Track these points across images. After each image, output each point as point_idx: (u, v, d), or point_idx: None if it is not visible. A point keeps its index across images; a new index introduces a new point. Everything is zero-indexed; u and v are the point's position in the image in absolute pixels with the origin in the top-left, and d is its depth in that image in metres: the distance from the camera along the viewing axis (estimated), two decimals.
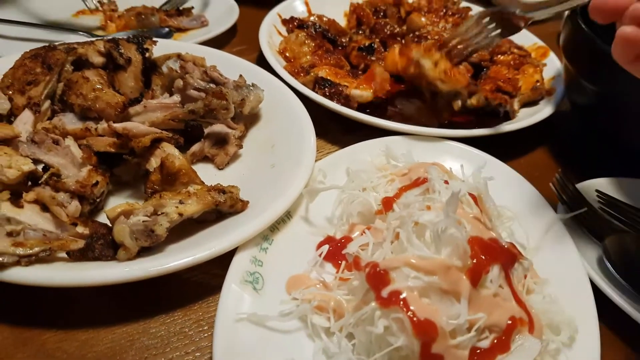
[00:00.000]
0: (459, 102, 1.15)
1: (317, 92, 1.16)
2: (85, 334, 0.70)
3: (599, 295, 0.77)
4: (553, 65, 1.38)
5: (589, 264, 0.82)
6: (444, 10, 1.53)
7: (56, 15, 1.43)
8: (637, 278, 0.80)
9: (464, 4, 1.63)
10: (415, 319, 0.57)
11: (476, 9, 1.64)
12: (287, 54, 1.34)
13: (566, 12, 1.14)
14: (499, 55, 1.36)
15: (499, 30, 1.10)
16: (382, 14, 1.52)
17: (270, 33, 1.38)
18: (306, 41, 1.32)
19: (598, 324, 0.72)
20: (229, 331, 0.65)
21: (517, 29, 1.07)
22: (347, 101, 1.15)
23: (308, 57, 1.30)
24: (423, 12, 1.52)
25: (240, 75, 1.05)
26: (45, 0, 1.46)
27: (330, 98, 1.15)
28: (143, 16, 1.42)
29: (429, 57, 1.11)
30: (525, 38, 1.49)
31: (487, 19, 1.10)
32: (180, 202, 0.76)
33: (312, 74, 1.20)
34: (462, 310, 0.60)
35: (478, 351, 0.62)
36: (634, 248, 0.85)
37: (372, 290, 0.62)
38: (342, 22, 1.58)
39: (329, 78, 1.19)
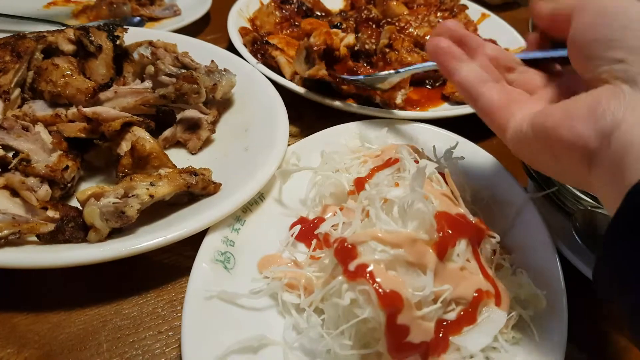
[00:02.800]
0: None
1: (249, 51, 1.21)
2: (56, 316, 0.70)
3: (567, 267, 0.78)
4: None
5: (558, 238, 0.83)
6: (438, 5, 1.56)
7: (27, 6, 1.41)
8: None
9: (463, 1, 1.65)
10: (380, 290, 0.58)
11: (473, 7, 1.66)
12: (256, 23, 1.39)
13: None
14: None
15: None
16: (373, 1, 1.54)
17: (249, 2, 1.45)
18: (274, 12, 1.37)
19: (566, 299, 0.72)
20: (198, 308, 0.65)
21: None
22: (266, 60, 1.19)
23: (271, 26, 1.35)
24: (417, 4, 1.54)
25: (212, 61, 1.05)
26: None
27: (254, 54, 1.20)
28: (115, 5, 1.41)
29: None
30: (513, 41, 1.51)
31: None
32: (151, 184, 0.77)
33: (252, 34, 1.25)
34: (428, 282, 0.61)
35: (445, 323, 0.63)
36: (601, 222, 0.87)
37: (340, 264, 0.63)
38: (341, 5, 1.66)
39: (272, 42, 1.23)
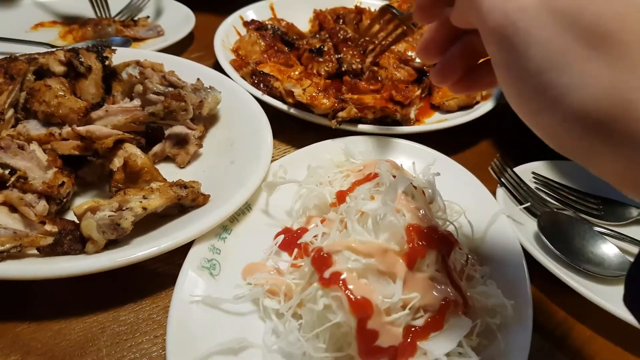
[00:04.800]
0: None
1: (249, 83, 1.24)
2: (57, 324, 0.75)
3: (535, 265, 0.85)
4: None
5: (526, 238, 0.89)
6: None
7: (15, 28, 1.45)
8: (566, 246, 0.91)
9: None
10: (352, 296, 0.63)
11: None
12: (240, 53, 1.41)
13: None
14: None
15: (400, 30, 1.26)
16: (341, 21, 1.59)
17: (227, 32, 1.46)
18: (258, 40, 1.39)
19: (532, 308, 0.77)
20: (183, 312, 0.71)
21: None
22: (270, 90, 1.22)
23: (258, 55, 1.37)
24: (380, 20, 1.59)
25: (198, 79, 1.11)
26: (1, 14, 1.50)
27: (257, 86, 1.23)
28: (100, 27, 1.46)
29: (299, 85, 1.17)
30: None
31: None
32: (144, 197, 0.82)
33: (250, 67, 1.28)
34: (397, 290, 0.66)
35: (413, 329, 0.68)
36: (563, 222, 0.96)
37: (316, 272, 0.68)
38: (307, 27, 1.68)
39: (269, 73, 1.26)
